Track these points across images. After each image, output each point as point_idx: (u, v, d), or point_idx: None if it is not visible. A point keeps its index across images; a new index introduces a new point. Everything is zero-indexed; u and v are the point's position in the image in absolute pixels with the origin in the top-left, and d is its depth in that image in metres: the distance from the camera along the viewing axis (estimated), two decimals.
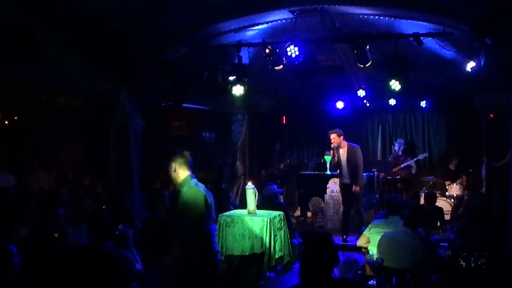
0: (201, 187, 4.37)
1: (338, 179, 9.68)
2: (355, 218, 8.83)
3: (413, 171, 10.71)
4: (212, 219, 4.41)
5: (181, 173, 4.34)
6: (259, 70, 8.04)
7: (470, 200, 7.65)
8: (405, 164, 10.68)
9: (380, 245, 4.77)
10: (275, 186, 7.29)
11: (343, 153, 8.39)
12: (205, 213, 4.25)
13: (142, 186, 7.80)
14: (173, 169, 4.35)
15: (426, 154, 10.64)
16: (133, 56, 7.01)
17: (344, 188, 8.57)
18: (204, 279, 4.29)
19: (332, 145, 8.37)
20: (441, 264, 4.42)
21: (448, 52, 7.68)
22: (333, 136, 8.33)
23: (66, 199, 7.10)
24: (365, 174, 9.01)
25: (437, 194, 10.10)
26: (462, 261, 2.71)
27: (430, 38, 7.07)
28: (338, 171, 8.63)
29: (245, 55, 7.73)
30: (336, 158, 8.39)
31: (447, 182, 10.55)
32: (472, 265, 2.59)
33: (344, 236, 8.39)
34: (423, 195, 9.57)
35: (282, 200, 8.82)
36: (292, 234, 6.51)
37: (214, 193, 7.19)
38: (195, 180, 4.37)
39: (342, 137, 8.35)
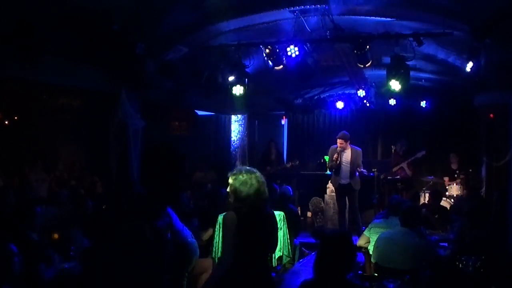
0: None
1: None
2: (350, 217, 8.84)
3: (408, 172, 10.56)
4: None
5: None
6: (259, 70, 8.04)
7: (470, 200, 7.65)
8: (404, 163, 10.64)
9: (377, 247, 4.73)
10: (289, 188, 7.31)
11: (346, 155, 8.47)
12: None
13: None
14: None
15: (423, 152, 10.60)
16: (133, 56, 7.02)
17: (340, 188, 8.61)
18: None
19: (338, 149, 8.45)
20: (440, 264, 4.40)
21: (447, 52, 7.69)
22: (340, 142, 8.44)
23: (66, 199, 7.09)
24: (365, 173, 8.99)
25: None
26: (460, 265, 2.71)
27: (430, 38, 7.08)
28: (334, 171, 8.65)
29: (245, 55, 7.74)
30: (338, 160, 8.44)
31: (446, 180, 10.53)
32: (470, 268, 2.60)
33: None
34: (423, 194, 9.57)
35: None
36: (295, 234, 6.54)
37: (214, 193, 7.23)
38: None
39: (348, 141, 8.48)
